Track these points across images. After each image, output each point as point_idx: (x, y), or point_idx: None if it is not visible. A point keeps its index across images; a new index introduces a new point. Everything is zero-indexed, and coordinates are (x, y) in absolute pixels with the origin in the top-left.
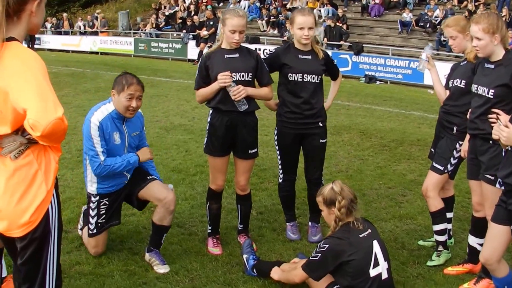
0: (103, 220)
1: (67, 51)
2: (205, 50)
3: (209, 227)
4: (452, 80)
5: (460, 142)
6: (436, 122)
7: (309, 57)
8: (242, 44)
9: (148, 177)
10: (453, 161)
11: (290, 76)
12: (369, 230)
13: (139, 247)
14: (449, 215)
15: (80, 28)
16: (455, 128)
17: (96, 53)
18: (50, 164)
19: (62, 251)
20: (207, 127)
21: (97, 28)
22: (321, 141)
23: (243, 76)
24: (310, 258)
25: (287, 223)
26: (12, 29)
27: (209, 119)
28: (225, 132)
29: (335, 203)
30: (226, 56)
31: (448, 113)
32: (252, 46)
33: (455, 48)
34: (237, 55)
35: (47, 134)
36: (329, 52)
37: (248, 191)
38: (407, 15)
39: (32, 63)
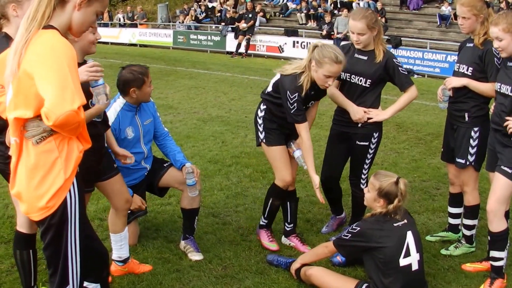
0: (129, 211)
1: (106, 43)
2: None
3: (264, 220)
4: (459, 65)
5: (475, 129)
6: (446, 121)
7: (365, 57)
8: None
9: (165, 164)
10: (472, 151)
11: (341, 73)
12: (405, 221)
13: (174, 235)
14: (458, 210)
15: (119, 20)
16: (466, 115)
17: (135, 45)
18: (72, 153)
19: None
20: (261, 121)
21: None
22: (358, 143)
23: None
24: (342, 236)
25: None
26: (55, 18)
27: (263, 113)
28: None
29: (391, 199)
30: None
31: (457, 102)
32: (290, 39)
33: (464, 29)
34: None
35: (58, 124)
36: None
37: (294, 187)
38: (446, 9)
39: (60, 51)
